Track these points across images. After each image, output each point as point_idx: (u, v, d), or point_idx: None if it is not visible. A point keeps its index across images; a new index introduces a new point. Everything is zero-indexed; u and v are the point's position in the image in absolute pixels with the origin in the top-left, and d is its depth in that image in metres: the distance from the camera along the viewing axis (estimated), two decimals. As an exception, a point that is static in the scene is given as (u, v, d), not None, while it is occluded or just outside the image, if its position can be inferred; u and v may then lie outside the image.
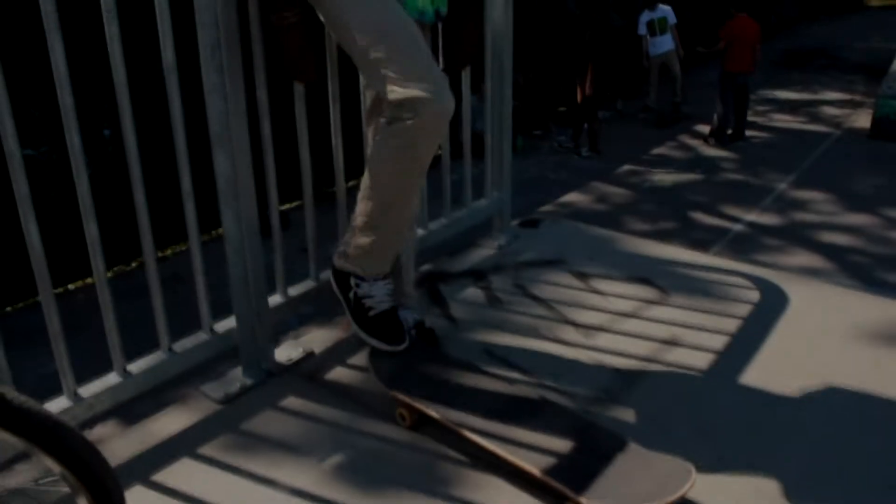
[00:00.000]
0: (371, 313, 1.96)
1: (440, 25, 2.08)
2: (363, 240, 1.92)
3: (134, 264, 6.34)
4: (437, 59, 2.01)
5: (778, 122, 9.89)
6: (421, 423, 1.82)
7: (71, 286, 5.95)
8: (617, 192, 7.41)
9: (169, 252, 6.47)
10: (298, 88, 2.03)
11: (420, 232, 2.52)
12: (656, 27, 9.64)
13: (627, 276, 2.65)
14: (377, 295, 1.96)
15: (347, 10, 1.70)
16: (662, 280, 2.63)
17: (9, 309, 5.61)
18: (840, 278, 5.42)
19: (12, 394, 1.08)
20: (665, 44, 9.67)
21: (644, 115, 10.17)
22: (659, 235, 6.23)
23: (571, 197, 7.13)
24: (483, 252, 2.82)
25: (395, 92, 1.70)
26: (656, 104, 10.18)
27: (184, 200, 1.86)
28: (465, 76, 2.60)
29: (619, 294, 2.52)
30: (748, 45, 8.51)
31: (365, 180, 1.87)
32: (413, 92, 1.68)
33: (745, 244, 6.10)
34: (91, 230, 1.71)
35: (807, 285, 2.63)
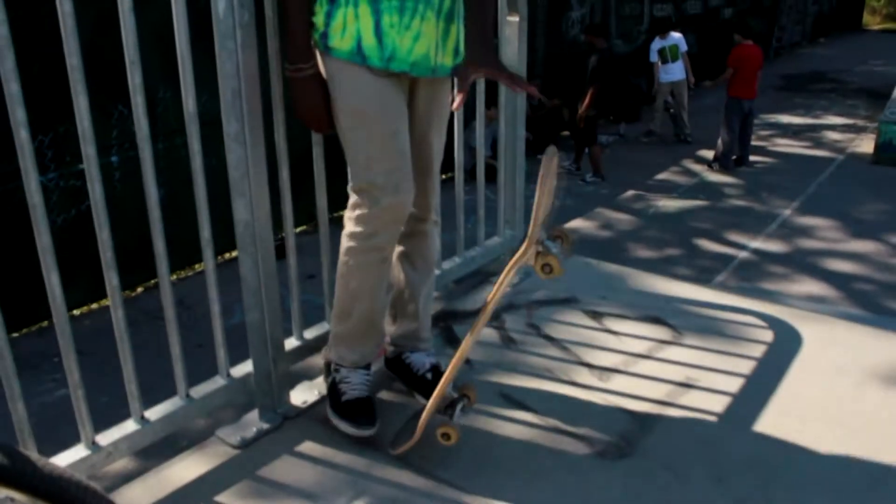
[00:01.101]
0: (344, 398, 1.96)
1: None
2: (337, 328, 1.99)
3: (140, 289, 6.35)
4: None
5: (781, 147, 9.93)
6: (440, 466, 1.82)
7: (76, 312, 5.96)
8: (622, 218, 7.43)
9: (174, 277, 6.49)
10: (316, 135, 2.05)
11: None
12: (668, 55, 9.72)
13: (640, 315, 2.65)
14: (353, 381, 1.98)
15: (336, 89, 1.78)
16: (675, 319, 2.63)
17: (15, 335, 5.63)
18: (846, 306, 5.43)
19: (41, 460, 1.08)
20: (676, 71, 9.74)
21: (647, 140, 10.21)
22: (664, 263, 6.24)
23: (577, 223, 7.14)
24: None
25: (358, 178, 1.81)
26: (661, 129, 10.24)
27: (202, 248, 1.86)
28: (480, 122, 2.63)
29: (633, 334, 2.52)
30: (754, 72, 8.56)
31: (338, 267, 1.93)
32: (373, 181, 1.77)
33: (750, 272, 6.11)
34: (112, 279, 1.71)
35: (818, 323, 2.63)
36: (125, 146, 6.06)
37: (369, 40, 1.73)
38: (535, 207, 1.57)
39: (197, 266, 6.48)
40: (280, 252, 1.97)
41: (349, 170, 1.85)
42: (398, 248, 2.07)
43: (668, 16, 11.95)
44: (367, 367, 2.03)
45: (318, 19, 1.75)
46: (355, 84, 1.76)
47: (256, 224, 1.89)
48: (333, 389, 1.99)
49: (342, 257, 1.88)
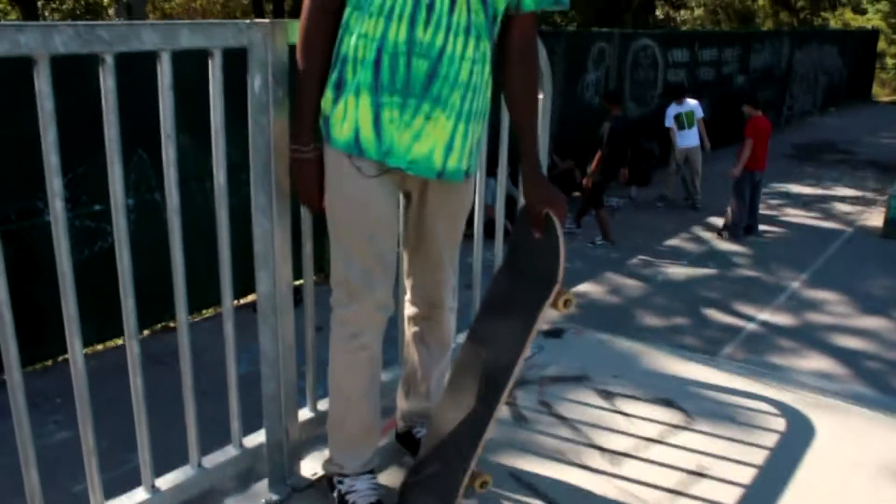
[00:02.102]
0: None
1: None
2: (334, 437, 1.96)
3: (146, 332, 6.34)
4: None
5: (791, 218, 9.97)
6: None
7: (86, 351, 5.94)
8: (630, 283, 7.43)
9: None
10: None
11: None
12: (684, 121, 9.82)
13: (651, 397, 2.64)
14: (361, 489, 1.92)
15: (329, 179, 1.77)
16: (686, 402, 2.61)
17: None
18: (855, 385, 5.39)
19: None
20: (692, 138, 9.83)
21: (660, 205, 10.26)
22: (672, 332, 6.22)
23: (585, 287, 7.15)
24: (507, 362, 2.81)
25: (336, 271, 1.81)
26: (672, 194, 10.30)
27: (224, 319, 1.87)
28: (501, 185, 2.65)
29: (644, 416, 2.51)
30: (765, 144, 8.65)
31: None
32: (349, 277, 1.78)
33: (758, 344, 6.08)
34: (132, 347, 1.71)
35: (831, 411, 2.61)
36: (141, 189, 6.12)
37: (367, 132, 1.70)
38: (562, 258, 1.70)
39: (204, 311, 6.49)
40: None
41: (330, 260, 1.84)
42: (413, 329, 2.07)
43: (682, 81, 12.10)
44: (371, 471, 1.98)
45: (326, 104, 1.74)
46: (344, 182, 1.74)
47: (278, 296, 1.90)
48: (342, 502, 1.91)
49: (331, 360, 1.87)
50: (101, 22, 1.52)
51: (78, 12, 16.20)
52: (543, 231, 1.77)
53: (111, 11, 14.35)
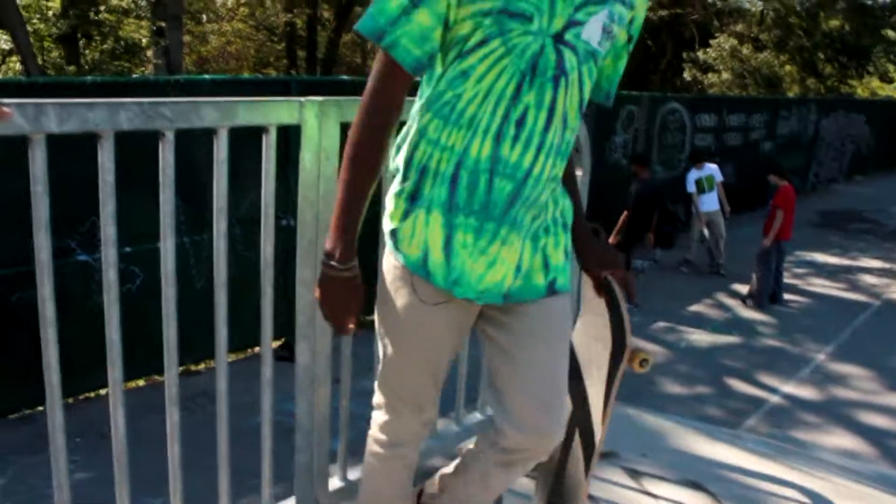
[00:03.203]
0: None
1: None
2: None
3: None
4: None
5: (815, 288, 9.89)
6: None
7: (103, 391, 5.98)
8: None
9: (202, 366, 6.51)
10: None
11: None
12: (704, 185, 9.86)
13: (679, 479, 2.61)
14: None
15: (387, 293, 1.61)
16: (715, 485, 2.58)
17: (40, 408, 5.63)
18: (881, 465, 5.28)
19: None
20: (713, 202, 9.86)
21: (684, 269, 10.24)
22: (695, 401, 6.16)
23: (607, 350, 7.10)
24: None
25: (384, 382, 1.70)
26: (696, 259, 10.27)
27: (262, 388, 1.89)
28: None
29: (672, 499, 2.48)
30: (792, 213, 8.64)
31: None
32: (398, 392, 1.68)
33: (781, 418, 6.00)
34: (173, 415, 1.73)
35: (861, 500, 2.57)
36: (180, 232, 6.22)
37: (437, 256, 1.53)
38: (626, 319, 1.68)
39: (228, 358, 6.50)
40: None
41: (378, 365, 1.72)
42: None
43: (709, 146, 12.16)
44: None
45: (394, 216, 1.57)
46: (404, 301, 1.58)
47: (316, 367, 1.92)
48: None
49: (367, 457, 1.81)
50: (164, 99, 1.56)
51: (117, 52, 16.57)
52: (606, 294, 1.74)
53: (149, 53, 14.69)
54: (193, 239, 6.05)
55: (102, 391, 6.01)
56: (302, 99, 1.79)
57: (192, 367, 6.34)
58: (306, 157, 1.82)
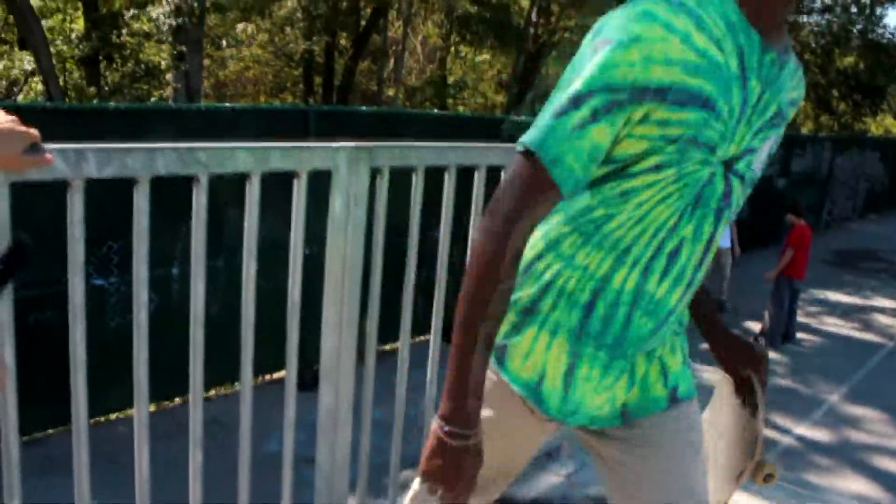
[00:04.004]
0: None
1: None
2: None
3: (178, 400, 6.36)
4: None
5: (829, 327, 9.84)
6: None
7: (113, 416, 5.98)
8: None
9: (212, 392, 6.51)
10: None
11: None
12: None
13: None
14: None
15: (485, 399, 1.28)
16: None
17: (50, 431, 5.63)
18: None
19: None
20: (723, 239, 9.83)
21: (694, 305, 10.19)
22: (707, 440, 6.09)
23: (619, 386, 7.07)
24: (551, 479, 2.79)
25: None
26: (713, 290, 10.24)
27: (284, 429, 1.89)
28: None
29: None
30: (807, 253, 8.62)
31: None
32: None
33: (794, 460, 5.94)
34: (197, 456, 1.73)
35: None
36: (188, 259, 6.23)
37: (554, 384, 1.36)
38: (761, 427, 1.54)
39: (236, 385, 6.50)
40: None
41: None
42: None
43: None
44: None
45: (503, 327, 1.35)
46: (502, 413, 1.40)
47: (340, 411, 1.92)
48: None
49: None
50: (199, 144, 1.59)
51: (137, 75, 16.76)
52: (748, 394, 1.59)
53: (169, 76, 14.85)
54: (207, 265, 6.07)
55: (112, 416, 6.01)
56: (335, 145, 1.81)
57: (206, 394, 6.33)
58: (336, 203, 1.84)
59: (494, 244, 1.20)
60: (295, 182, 1.79)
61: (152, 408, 6.43)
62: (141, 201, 1.54)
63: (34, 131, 1.38)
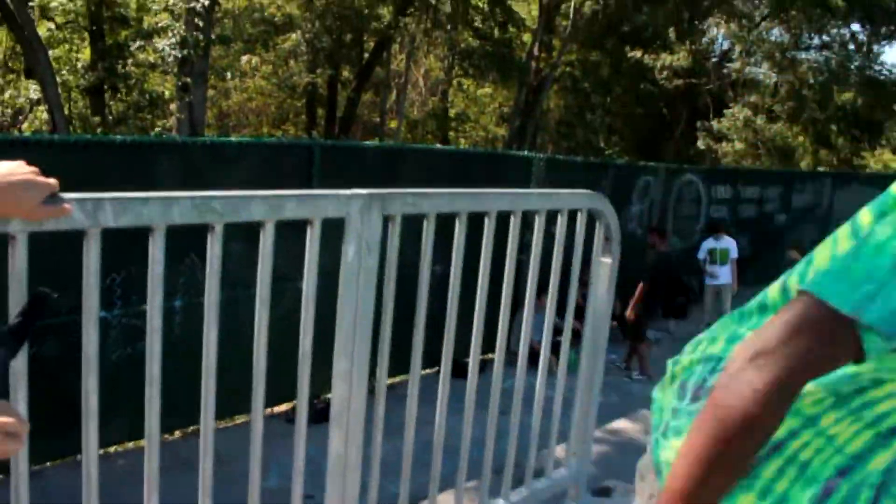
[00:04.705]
0: None
1: None
2: None
3: (177, 433, 6.32)
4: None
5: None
6: None
7: (111, 449, 5.93)
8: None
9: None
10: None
11: (501, 502, 2.50)
12: (717, 257, 9.88)
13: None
14: None
15: None
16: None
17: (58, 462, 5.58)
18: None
19: None
20: (723, 275, 9.86)
21: (697, 341, 10.17)
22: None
23: (621, 424, 7.02)
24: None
25: None
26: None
27: (293, 476, 1.88)
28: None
29: None
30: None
31: None
32: None
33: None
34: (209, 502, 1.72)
35: None
36: (190, 292, 6.23)
37: None
38: None
39: (237, 418, 6.46)
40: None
41: None
42: None
43: (724, 217, 12.21)
44: None
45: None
46: None
47: (349, 457, 1.91)
48: None
49: None
50: (215, 193, 1.60)
51: (141, 105, 16.88)
52: None
53: (173, 106, 14.96)
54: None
55: (111, 448, 5.96)
56: (348, 192, 1.82)
57: (194, 428, 6.28)
58: (349, 250, 1.84)
59: (759, 406, 0.98)
60: (308, 229, 1.80)
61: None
62: (156, 250, 1.54)
63: (53, 181, 1.38)
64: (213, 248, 1.64)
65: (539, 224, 2.34)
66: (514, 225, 2.25)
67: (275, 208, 1.69)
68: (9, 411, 1.28)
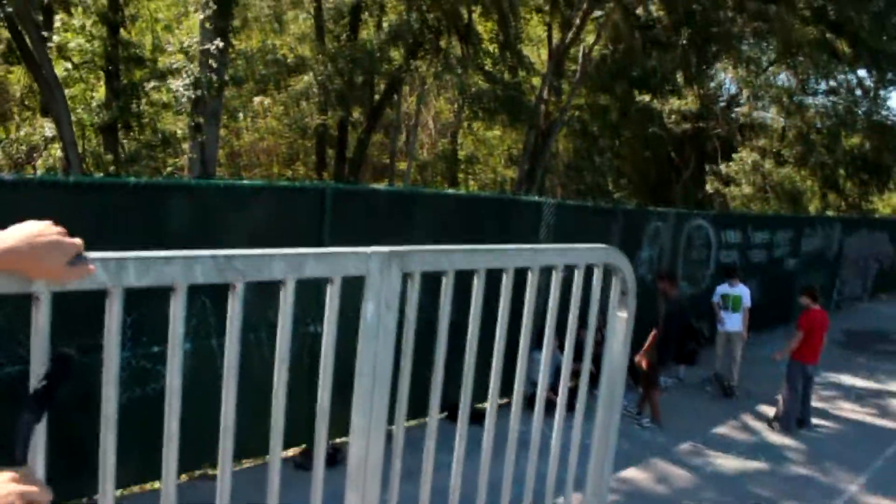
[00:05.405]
0: None
1: None
2: None
3: (184, 477, 6.26)
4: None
5: (844, 412, 9.67)
6: None
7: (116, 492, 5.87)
8: (678, 473, 7.19)
9: (210, 471, 6.39)
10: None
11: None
12: (730, 303, 9.84)
13: None
14: None
15: None
16: None
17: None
18: None
19: None
20: (734, 323, 9.81)
21: (709, 388, 10.06)
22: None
23: (631, 473, 6.94)
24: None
25: None
26: (722, 373, 10.10)
27: (309, 538, 1.85)
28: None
29: None
30: (821, 338, 8.55)
31: None
32: None
33: (815, 556, 5.78)
34: (219, 568, 1.69)
35: None
36: (200, 334, 6.22)
37: None
38: None
39: (244, 461, 6.39)
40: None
41: None
42: None
43: (734, 262, 12.18)
44: None
45: None
46: None
47: (364, 521, 1.88)
48: None
49: None
50: (236, 252, 1.59)
51: (154, 144, 17.06)
52: None
53: (185, 146, 15.12)
54: (221, 342, 6.06)
55: (118, 492, 5.91)
56: (368, 250, 1.82)
57: (210, 471, 6.24)
58: (369, 308, 1.83)
59: None
60: (328, 287, 1.79)
61: (157, 485, 6.34)
62: (178, 310, 1.54)
63: (78, 242, 1.39)
64: (234, 308, 1.63)
65: (556, 280, 2.33)
66: (532, 282, 2.24)
67: (295, 266, 1.69)
68: (32, 480, 1.27)
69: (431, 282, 2.03)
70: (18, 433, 1.27)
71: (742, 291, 9.90)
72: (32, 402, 1.31)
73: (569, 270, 2.40)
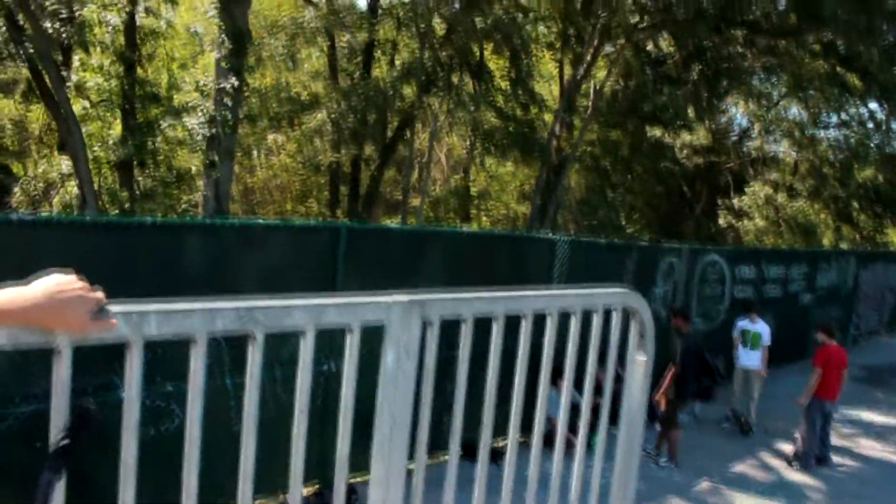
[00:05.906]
0: None
1: None
2: None
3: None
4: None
5: (865, 450, 9.52)
6: None
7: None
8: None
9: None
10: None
11: None
12: (749, 340, 9.74)
13: None
14: None
15: None
16: None
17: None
18: None
19: None
20: (753, 360, 9.70)
21: (726, 425, 9.93)
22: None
23: (649, 513, 6.83)
24: None
25: None
26: (741, 409, 9.97)
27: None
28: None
29: None
30: (839, 374, 8.44)
31: None
32: None
33: None
34: None
35: None
36: (214, 373, 6.19)
37: None
38: None
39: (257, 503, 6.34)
40: None
41: None
42: None
43: (750, 297, 12.10)
44: None
45: None
46: None
47: (381, 570, 1.85)
48: None
49: None
50: (257, 303, 1.60)
51: (169, 180, 17.19)
52: None
53: (200, 183, 15.23)
54: (235, 381, 6.04)
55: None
56: (388, 299, 1.82)
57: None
58: (388, 357, 1.83)
59: None
60: (348, 336, 1.79)
61: (171, 528, 6.18)
62: (198, 362, 1.54)
63: (101, 295, 1.40)
64: (254, 358, 1.63)
65: (575, 324, 2.32)
66: (551, 326, 2.23)
67: (315, 316, 1.69)
68: None
69: (449, 320, 2.02)
70: (39, 491, 1.26)
71: (762, 329, 9.80)
72: (53, 458, 1.30)
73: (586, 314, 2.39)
